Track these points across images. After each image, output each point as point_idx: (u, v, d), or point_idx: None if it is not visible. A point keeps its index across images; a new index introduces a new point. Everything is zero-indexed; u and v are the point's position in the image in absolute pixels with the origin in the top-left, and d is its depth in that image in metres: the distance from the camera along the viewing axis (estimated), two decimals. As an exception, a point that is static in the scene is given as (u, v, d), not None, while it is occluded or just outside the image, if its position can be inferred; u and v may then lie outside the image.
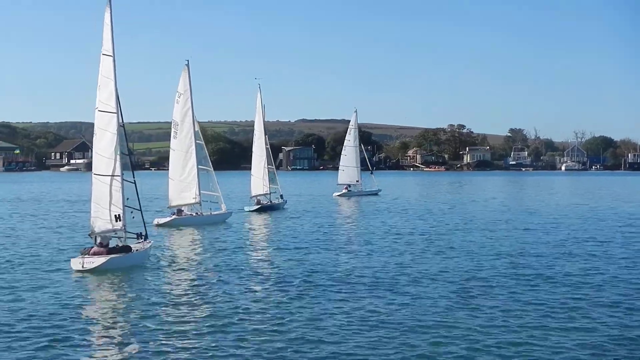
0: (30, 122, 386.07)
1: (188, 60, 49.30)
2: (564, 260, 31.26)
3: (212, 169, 50.66)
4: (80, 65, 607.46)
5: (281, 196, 64.02)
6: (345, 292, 24.03)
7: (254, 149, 63.52)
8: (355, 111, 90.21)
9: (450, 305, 21.89)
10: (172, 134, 49.21)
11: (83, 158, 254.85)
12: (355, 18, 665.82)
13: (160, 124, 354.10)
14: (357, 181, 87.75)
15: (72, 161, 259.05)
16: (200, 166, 49.24)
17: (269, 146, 64.15)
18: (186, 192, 48.38)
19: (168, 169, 49.56)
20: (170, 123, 49.53)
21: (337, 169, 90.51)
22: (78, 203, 68.50)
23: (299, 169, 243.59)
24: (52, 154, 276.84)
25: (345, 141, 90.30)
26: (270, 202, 61.87)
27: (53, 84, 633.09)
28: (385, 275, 27.18)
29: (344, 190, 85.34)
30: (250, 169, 63.44)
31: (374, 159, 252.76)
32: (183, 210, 48.31)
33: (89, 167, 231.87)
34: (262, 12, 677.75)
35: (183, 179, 48.35)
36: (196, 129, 49.58)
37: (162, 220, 46.61)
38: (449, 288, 24.60)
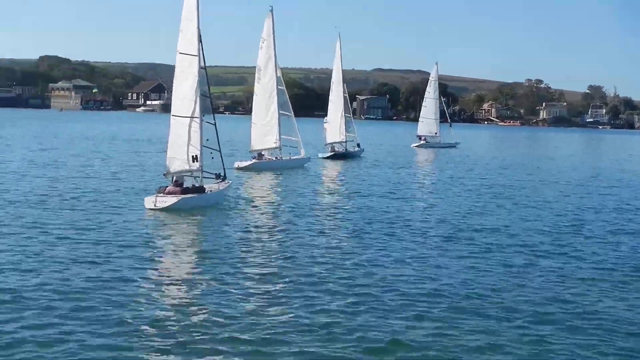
0: (109, 62, 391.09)
1: (272, 7, 49.94)
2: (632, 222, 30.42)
3: (292, 114, 51.46)
4: (159, 7, 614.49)
5: (358, 145, 64.49)
6: (416, 242, 23.99)
7: (331, 97, 64.00)
8: (437, 64, 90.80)
9: (516, 258, 21.77)
10: (256, 78, 49.96)
11: (159, 99, 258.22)
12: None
13: (236, 68, 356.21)
14: (436, 133, 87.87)
15: (148, 102, 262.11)
16: (281, 111, 49.96)
17: (347, 95, 64.57)
18: (268, 137, 49.23)
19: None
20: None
21: (410, 119, 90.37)
22: (156, 144, 69.46)
23: (373, 119, 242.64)
24: (129, 94, 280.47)
25: (426, 93, 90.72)
26: (346, 149, 62.49)
27: (132, 25, 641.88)
28: (454, 227, 27.09)
29: (421, 142, 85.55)
30: (323, 116, 63.86)
31: (448, 111, 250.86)
32: (264, 155, 49.16)
33: (164, 108, 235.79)
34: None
35: (265, 124, 49.16)
36: (278, 75, 50.15)
37: (243, 164, 47.30)
38: (517, 242, 24.46)
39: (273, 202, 32.89)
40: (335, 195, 36.34)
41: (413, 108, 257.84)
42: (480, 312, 16.01)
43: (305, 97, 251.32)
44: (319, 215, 29.12)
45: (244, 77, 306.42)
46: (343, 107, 62.72)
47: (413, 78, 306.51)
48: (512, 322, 15.39)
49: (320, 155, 59.84)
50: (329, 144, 62.10)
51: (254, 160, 48.30)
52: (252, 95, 50.01)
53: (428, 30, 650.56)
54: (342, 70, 65.04)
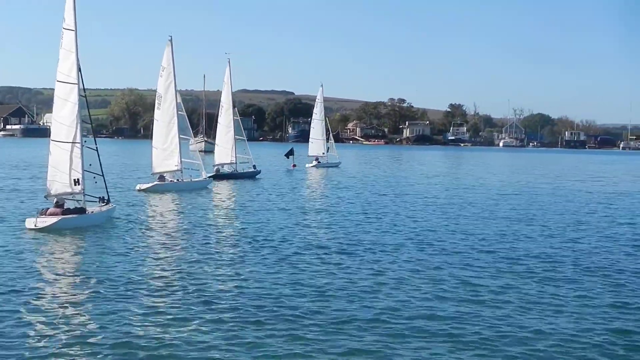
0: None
1: (171, 37, 52.26)
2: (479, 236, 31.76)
3: (193, 138, 53.51)
4: (18, 30, 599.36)
5: (254, 166, 67.00)
6: (305, 258, 25.09)
7: (220, 121, 66.69)
8: (322, 85, 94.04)
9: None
10: (156, 105, 51.93)
11: (19, 124, 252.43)
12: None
13: (99, 90, 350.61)
14: (323, 153, 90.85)
15: (7, 127, 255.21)
16: (182, 136, 52.07)
17: (238, 117, 67.27)
18: (168, 160, 51.34)
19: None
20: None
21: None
22: (25, 168, 69.82)
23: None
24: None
25: (313, 114, 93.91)
26: (235, 170, 64.97)
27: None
28: (337, 243, 28.61)
29: (314, 162, 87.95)
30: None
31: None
32: (165, 177, 51.19)
33: (25, 132, 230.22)
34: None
35: (166, 148, 51.19)
36: (178, 101, 52.27)
37: (144, 186, 49.34)
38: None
39: (160, 223, 33.97)
40: (229, 215, 37.72)
41: (279, 128, 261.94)
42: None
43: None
44: (205, 235, 30.14)
45: (107, 100, 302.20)
46: (233, 130, 65.37)
47: (278, 99, 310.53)
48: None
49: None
50: (217, 164, 64.23)
51: (155, 182, 50.28)
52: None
53: (291, 50, 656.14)
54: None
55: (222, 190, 52.71)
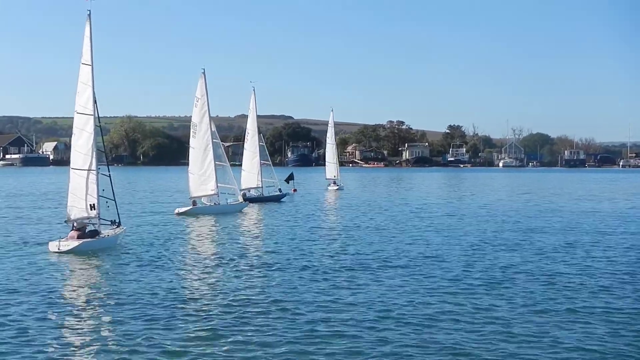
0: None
1: (204, 69, 55.54)
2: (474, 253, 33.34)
3: (228, 164, 57.12)
4: (15, 59, 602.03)
5: (279, 190, 70.29)
6: (331, 280, 25.72)
7: (246, 147, 70.10)
8: (332, 110, 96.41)
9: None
10: (191, 133, 55.03)
11: (18, 153, 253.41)
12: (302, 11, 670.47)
13: (107, 118, 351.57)
14: (335, 176, 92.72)
15: (7, 156, 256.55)
16: (217, 162, 55.04)
17: (263, 143, 69.97)
18: (205, 185, 54.57)
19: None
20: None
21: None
22: (32, 196, 73.63)
23: (238, 165, 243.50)
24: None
25: (326, 138, 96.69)
26: (262, 194, 67.87)
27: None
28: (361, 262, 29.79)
29: (333, 185, 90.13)
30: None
31: (313, 154, 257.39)
32: (197, 201, 54.15)
33: (24, 162, 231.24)
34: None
35: (202, 174, 54.36)
36: (213, 129, 55.09)
37: (182, 210, 52.43)
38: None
39: (197, 242, 36.52)
40: (248, 239, 38.61)
41: (279, 153, 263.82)
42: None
43: (168, 145, 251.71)
44: (239, 255, 31.64)
45: (105, 127, 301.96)
46: (259, 155, 67.98)
47: (277, 123, 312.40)
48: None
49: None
50: (244, 189, 66.62)
51: (191, 206, 53.16)
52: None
53: (290, 74, 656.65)
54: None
55: (252, 214, 54.73)
